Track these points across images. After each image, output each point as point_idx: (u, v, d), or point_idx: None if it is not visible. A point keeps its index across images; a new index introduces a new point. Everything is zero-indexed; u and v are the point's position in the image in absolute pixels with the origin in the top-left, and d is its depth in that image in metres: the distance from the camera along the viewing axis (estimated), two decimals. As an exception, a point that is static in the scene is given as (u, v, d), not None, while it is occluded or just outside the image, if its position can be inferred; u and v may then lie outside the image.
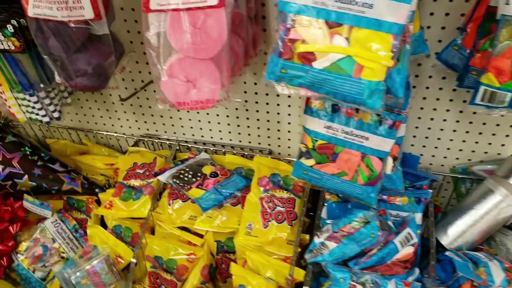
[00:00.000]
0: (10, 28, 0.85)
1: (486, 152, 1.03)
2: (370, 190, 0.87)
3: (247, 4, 0.77)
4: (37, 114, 1.01)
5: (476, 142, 1.01)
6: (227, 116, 1.13)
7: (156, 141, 1.25)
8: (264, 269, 0.98)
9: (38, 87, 0.96)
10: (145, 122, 1.24)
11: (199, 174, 1.08)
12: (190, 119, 1.18)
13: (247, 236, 0.98)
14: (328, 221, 0.92)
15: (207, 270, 1.03)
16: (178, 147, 1.22)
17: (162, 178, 1.08)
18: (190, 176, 1.07)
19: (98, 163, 1.25)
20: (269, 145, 1.18)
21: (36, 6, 0.76)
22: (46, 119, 1.02)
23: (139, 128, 1.26)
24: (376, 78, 0.62)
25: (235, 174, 1.09)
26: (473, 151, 1.03)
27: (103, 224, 1.17)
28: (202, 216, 1.05)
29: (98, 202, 1.19)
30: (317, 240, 0.91)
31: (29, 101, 0.98)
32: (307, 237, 1.01)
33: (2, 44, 0.88)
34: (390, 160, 0.87)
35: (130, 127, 1.27)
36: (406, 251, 0.90)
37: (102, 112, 1.25)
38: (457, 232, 0.96)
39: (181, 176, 1.07)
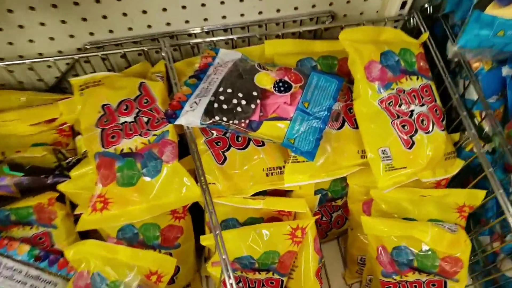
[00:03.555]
0: None
1: None
2: None
3: None
4: None
5: None
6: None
7: (120, 51, 0.66)
8: (417, 208, 0.61)
9: None
10: (84, 20, 0.61)
11: (254, 94, 0.56)
12: (180, -8, 0.60)
13: (391, 172, 0.56)
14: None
15: (318, 241, 0.62)
16: (169, 52, 0.64)
17: (190, 121, 0.55)
18: (240, 101, 0.56)
19: (20, 125, 0.62)
20: (330, 4, 0.68)
21: None
22: None
23: (72, 36, 0.64)
24: None
25: (312, 72, 0.60)
26: None
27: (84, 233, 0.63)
28: (289, 163, 0.58)
29: (61, 199, 0.62)
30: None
31: None
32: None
33: None
34: None
35: (52, 39, 0.63)
36: None
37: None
38: None
39: (224, 106, 0.55)
